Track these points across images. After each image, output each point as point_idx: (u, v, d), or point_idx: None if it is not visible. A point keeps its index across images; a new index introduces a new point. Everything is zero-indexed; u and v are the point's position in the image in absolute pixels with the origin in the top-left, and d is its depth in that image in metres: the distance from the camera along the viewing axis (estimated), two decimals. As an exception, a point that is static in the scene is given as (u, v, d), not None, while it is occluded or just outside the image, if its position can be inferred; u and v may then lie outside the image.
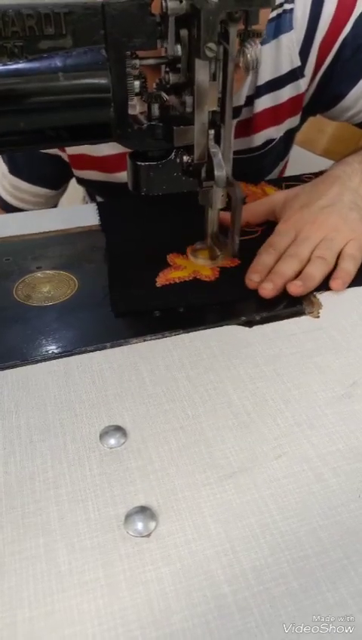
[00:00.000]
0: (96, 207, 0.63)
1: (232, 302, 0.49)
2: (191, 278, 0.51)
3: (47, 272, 0.53)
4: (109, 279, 0.52)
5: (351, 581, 0.29)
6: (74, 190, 0.86)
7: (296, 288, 0.48)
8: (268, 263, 0.51)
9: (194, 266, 0.52)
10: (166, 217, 0.59)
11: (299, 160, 0.82)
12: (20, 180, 0.75)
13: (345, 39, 0.62)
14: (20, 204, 0.78)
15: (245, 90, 0.65)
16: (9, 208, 0.79)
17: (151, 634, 0.27)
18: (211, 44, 0.38)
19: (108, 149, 0.68)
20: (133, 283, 0.51)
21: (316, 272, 0.49)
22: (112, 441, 0.36)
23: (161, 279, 0.51)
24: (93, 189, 0.79)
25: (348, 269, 0.50)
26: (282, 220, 0.55)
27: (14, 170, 0.75)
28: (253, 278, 0.50)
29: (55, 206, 0.82)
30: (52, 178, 0.76)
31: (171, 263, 0.53)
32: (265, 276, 0.50)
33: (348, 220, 0.53)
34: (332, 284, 0.49)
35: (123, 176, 0.70)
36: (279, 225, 0.55)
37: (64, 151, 0.72)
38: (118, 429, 0.37)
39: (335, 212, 0.53)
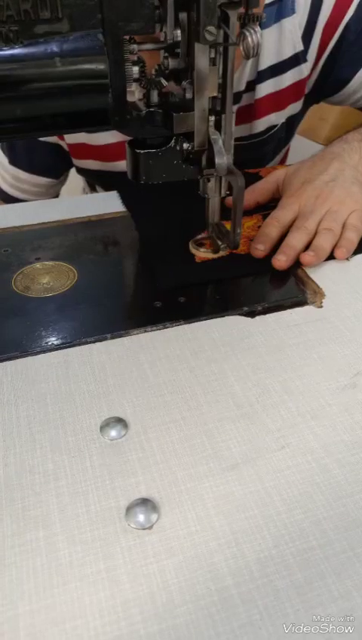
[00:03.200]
0: (98, 196, 0.63)
1: (234, 291, 0.49)
2: (227, 253, 0.53)
3: (46, 263, 0.52)
4: (148, 259, 0.53)
5: (357, 573, 0.29)
6: (74, 181, 0.85)
7: (309, 258, 0.50)
8: (272, 235, 0.52)
9: None
10: (187, 199, 0.59)
11: (301, 149, 0.81)
12: (20, 170, 0.75)
13: (348, 22, 0.61)
14: (21, 194, 0.77)
15: (245, 76, 0.64)
16: (9, 199, 0.78)
17: (153, 627, 0.27)
18: (211, 28, 0.37)
19: (107, 137, 0.67)
20: (172, 261, 0.52)
21: (325, 244, 0.51)
22: (113, 433, 0.36)
23: (199, 256, 0.52)
24: (92, 178, 0.78)
25: (351, 238, 0.52)
26: (285, 194, 0.56)
27: (14, 161, 0.75)
28: (258, 248, 0.52)
29: (56, 196, 0.81)
30: (52, 167, 0.76)
31: (204, 242, 0.54)
32: (269, 246, 0.52)
33: (350, 192, 0.54)
34: (337, 252, 0.51)
35: (123, 165, 0.69)
36: (282, 199, 0.56)
37: (63, 139, 0.71)
38: (119, 421, 0.37)
39: (338, 186, 0.54)
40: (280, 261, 0.50)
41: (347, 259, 0.52)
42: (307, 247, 0.51)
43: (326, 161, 0.57)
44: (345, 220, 0.53)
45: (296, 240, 0.51)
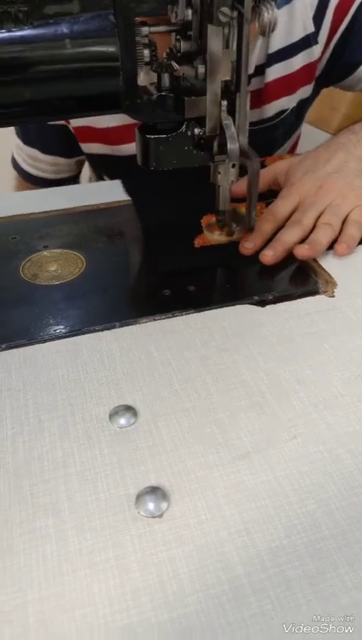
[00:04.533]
0: (107, 184, 0.62)
1: (245, 280, 0.49)
2: (227, 241, 0.51)
3: (54, 250, 0.52)
4: (147, 245, 0.53)
5: (370, 564, 0.28)
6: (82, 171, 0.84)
7: (303, 251, 0.48)
8: (265, 230, 0.50)
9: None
10: (190, 187, 0.58)
11: (313, 138, 0.80)
12: (35, 150, 0.75)
13: (360, 4, 0.60)
14: (40, 173, 0.78)
15: (254, 59, 0.63)
16: (31, 178, 0.79)
17: (163, 615, 0.27)
18: (225, 9, 0.37)
19: (111, 120, 0.67)
20: (171, 246, 0.52)
21: (323, 238, 0.49)
22: (122, 421, 0.36)
23: (199, 241, 0.52)
24: (97, 164, 0.77)
25: (354, 234, 0.50)
26: (287, 184, 0.55)
27: (28, 140, 0.75)
28: (246, 245, 0.50)
29: (77, 174, 0.82)
30: (65, 147, 0.75)
31: (205, 226, 0.53)
32: (260, 243, 0.50)
33: (353, 186, 0.52)
34: (338, 247, 0.49)
35: (127, 148, 0.69)
36: (283, 189, 0.54)
37: (69, 123, 0.70)
38: (128, 409, 0.36)
39: (341, 178, 0.53)
40: (267, 256, 0.48)
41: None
42: (303, 241, 0.49)
43: (331, 151, 0.56)
44: (347, 214, 0.51)
45: (289, 235, 0.49)
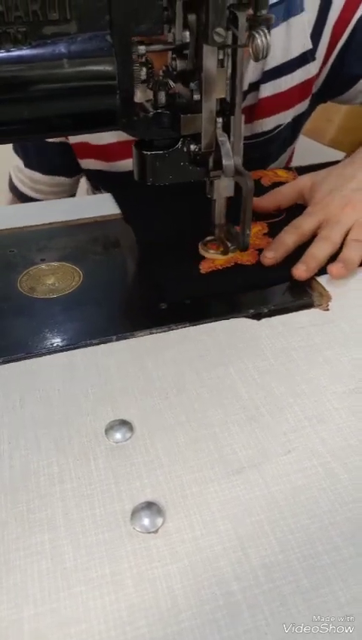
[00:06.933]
0: (104, 197, 0.62)
1: (241, 293, 0.49)
2: (232, 264, 0.51)
3: (52, 264, 0.52)
4: (144, 259, 0.53)
5: (363, 579, 0.29)
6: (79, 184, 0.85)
7: (338, 270, 0.48)
8: (287, 242, 0.51)
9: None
10: (184, 203, 0.58)
11: (307, 149, 0.81)
12: (36, 172, 0.75)
13: (359, 20, 0.61)
14: (39, 195, 0.78)
15: (248, 77, 0.64)
16: (28, 201, 0.78)
17: (158, 632, 0.27)
18: (219, 29, 0.37)
19: (108, 137, 0.67)
20: (177, 272, 0.51)
21: (355, 256, 0.49)
22: (118, 436, 0.36)
23: (205, 267, 0.51)
24: (95, 179, 0.78)
25: None
26: (311, 202, 0.55)
27: (29, 164, 0.75)
28: (267, 255, 0.50)
29: (73, 195, 0.82)
30: (66, 166, 0.76)
31: (201, 243, 0.53)
32: (282, 254, 0.50)
33: None
34: None
35: (124, 165, 0.69)
36: (308, 207, 0.54)
37: (68, 139, 0.71)
38: (124, 424, 0.37)
39: None
40: (300, 270, 0.48)
41: None
42: (330, 258, 0.49)
43: (356, 165, 0.56)
44: None
45: (319, 250, 0.49)
